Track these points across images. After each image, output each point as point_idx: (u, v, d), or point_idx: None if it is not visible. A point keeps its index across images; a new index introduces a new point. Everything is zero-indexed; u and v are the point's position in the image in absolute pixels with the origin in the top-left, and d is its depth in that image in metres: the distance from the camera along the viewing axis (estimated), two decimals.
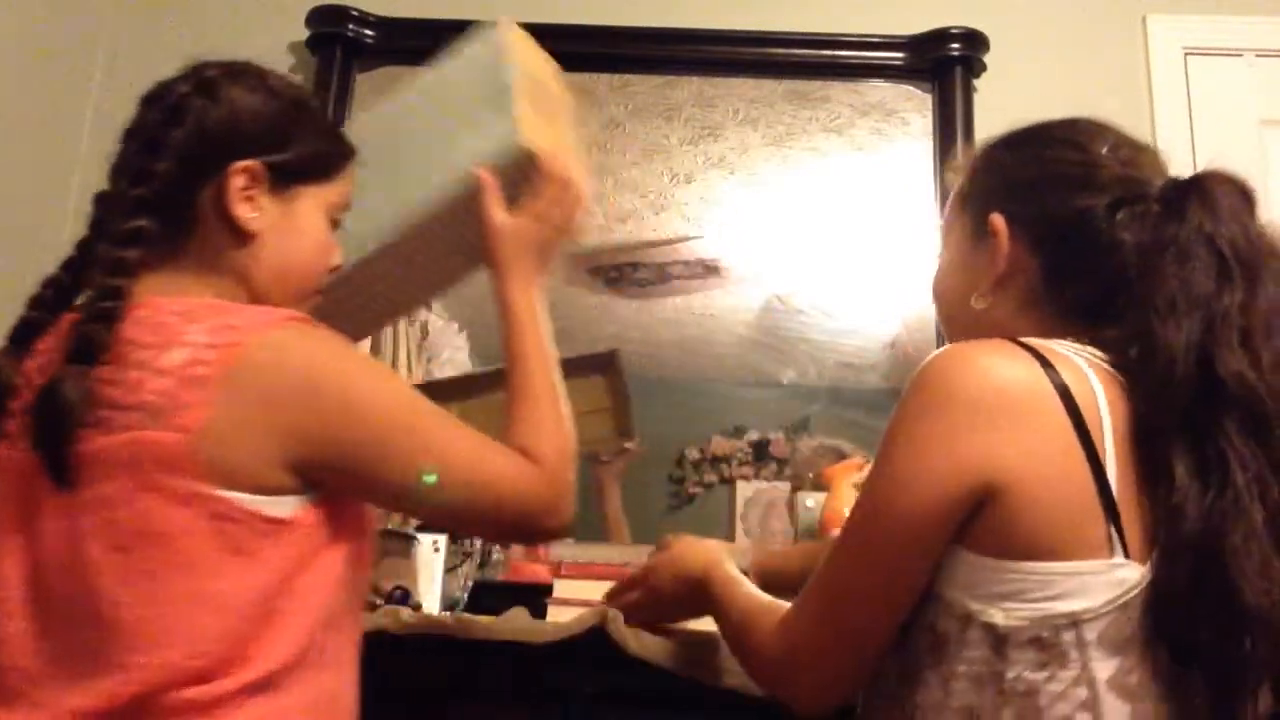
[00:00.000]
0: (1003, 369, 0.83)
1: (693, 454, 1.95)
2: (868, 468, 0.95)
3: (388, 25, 2.12)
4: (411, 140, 1.16)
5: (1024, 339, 0.86)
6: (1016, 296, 0.94)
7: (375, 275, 1.12)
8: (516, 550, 1.64)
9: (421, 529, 1.46)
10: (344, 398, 0.87)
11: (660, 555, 1.18)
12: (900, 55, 2.08)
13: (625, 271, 2.05)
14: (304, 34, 2.13)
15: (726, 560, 1.08)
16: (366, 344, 2.01)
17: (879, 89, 2.10)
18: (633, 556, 1.25)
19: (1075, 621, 0.77)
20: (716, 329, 2.03)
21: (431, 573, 1.44)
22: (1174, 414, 0.81)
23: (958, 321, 1.00)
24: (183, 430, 0.81)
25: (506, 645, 1.21)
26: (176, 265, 0.93)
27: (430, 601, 1.43)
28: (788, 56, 2.09)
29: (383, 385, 0.93)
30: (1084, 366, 0.84)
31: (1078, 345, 0.88)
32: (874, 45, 2.09)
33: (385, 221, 1.10)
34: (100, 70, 2.11)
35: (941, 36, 2.05)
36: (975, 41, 2.06)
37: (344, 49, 2.10)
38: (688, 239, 2.06)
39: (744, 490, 1.92)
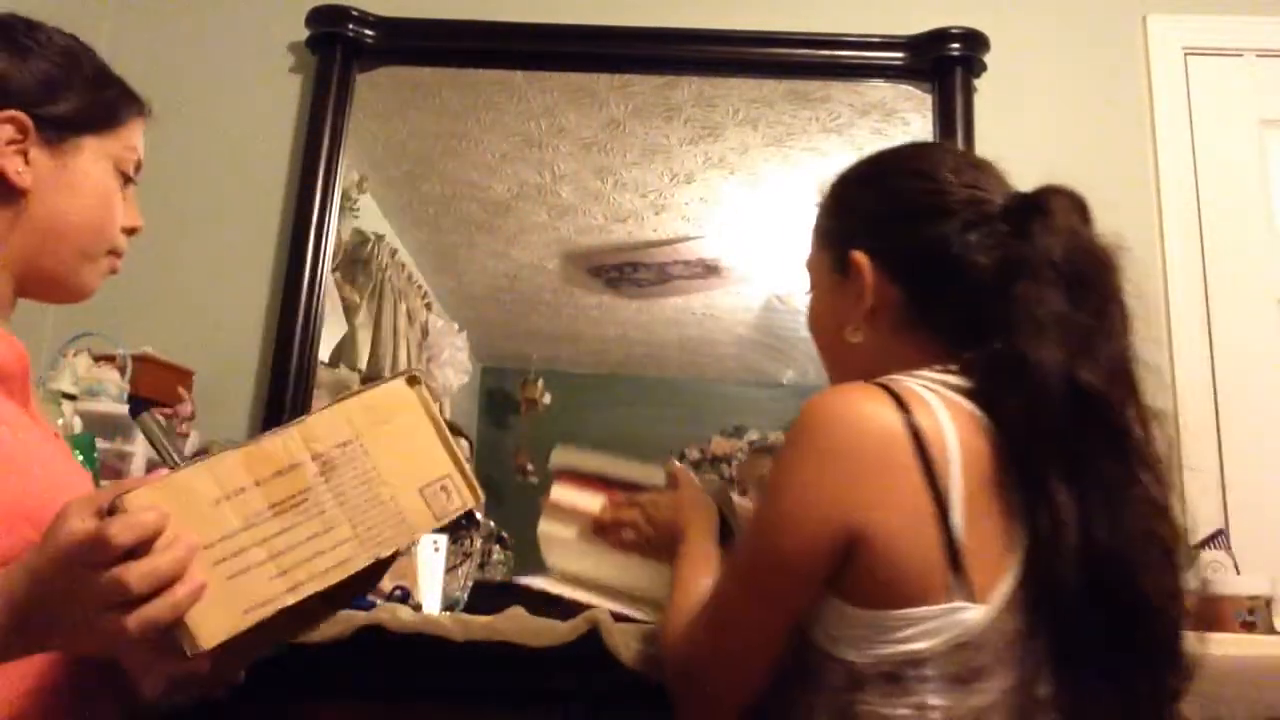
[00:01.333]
0: (864, 419, 0.85)
1: (693, 454, 1.95)
2: None
3: (388, 25, 2.12)
4: None
5: (887, 380, 0.89)
6: (887, 327, 0.97)
7: None
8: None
9: None
10: None
11: (665, 494, 1.18)
12: (900, 55, 2.08)
13: (625, 271, 2.05)
14: (304, 34, 2.13)
15: (708, 535, 1.09)
16: (366, 345, 2.02)
17: (879, 89, 2.10)
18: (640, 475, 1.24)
19: (918, 660, 0.82)
20: (716, 329, 2.03)
21: (431, 573, 1.44)
22: (1048, 433, 0.84)
23: (835, 354, 1.04)
24: None
25: (506, 645, 1.21)
26: None
27: (430, 601, 1.43)
28: (788, 56, 2.09)
29: None
30: (938, 406, 0.86)
31: (941, 376, 0.90)
32: (874, 45, 2.09)
33: None
34: None
35: (941, 36, 2.05)
36: (975, 41, 2.06)
37: (344, 49, 2.10)
38: (688, 239, 2.06)
39: None
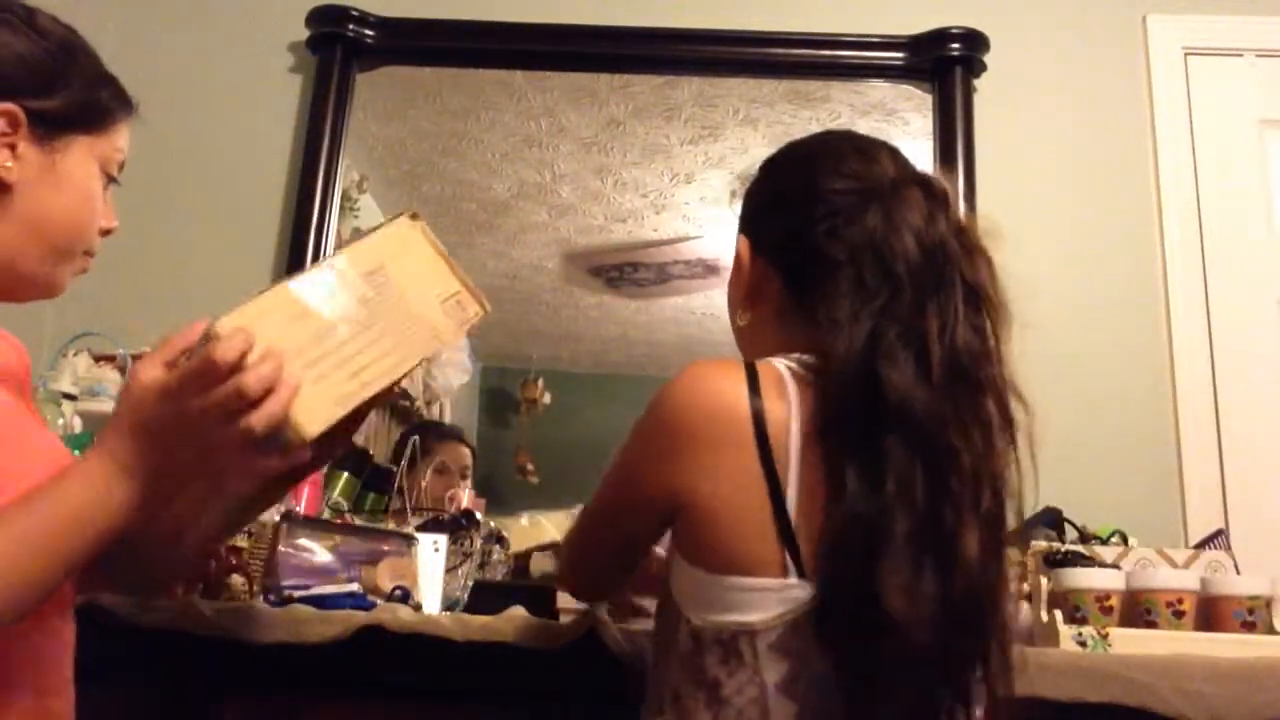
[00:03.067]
0: (712, 397, 0.89)
1: None
2: None
3: (388, 25, 2.12)
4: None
5: (758, 360, 0.93)
6: (769, 312, 1.00)
7: None
8: None
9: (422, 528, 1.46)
10: None
11: None
12: (900, 55, 2.08)
13: (625, 271, 2.05)
14: (304, 34, 2.13)
15: None
16: None
17: (879, 89, 2.10)
18: None
19: (751, 631, 0.86)
20: (717, 329, 2.03)
21: (431, 573, 1.44)
22: (843, 424, 0.86)
23: (736, 336, 1.07)
24: None
25: (506, 645, 1.21)
26: None
27: (430, 601, 1.43)
28: (788, 56, 2.09)
29: None
30: (793, 389, 0.89)
31: (803, 359, 0.92)
32: (874, 45, 2.09)
33: None
34: None
35: (941, 36, 2.05)
36: (975, 41, 2.06)
37: (344, 49, 2.10)
38: (688, 239, 2.06)
39: None
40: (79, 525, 0.75)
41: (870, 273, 0.89)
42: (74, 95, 0.91)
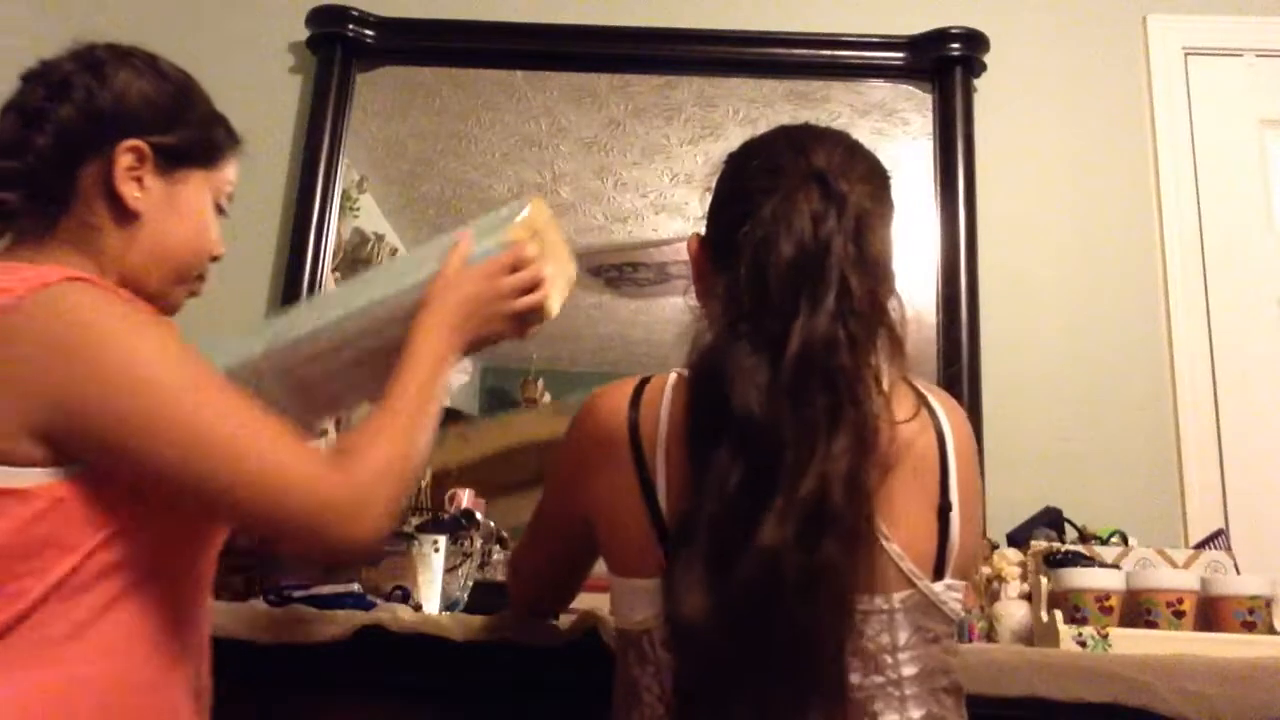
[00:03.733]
0: (598, 414, 0.97)
1: None
2: None
3: (388, 25, 2.12)
4: (411, 254, 1.21)
5: (658, 372, 0.97)
6: (715, 307, 0.98)
7: (329, 345, 1.07)
8: None
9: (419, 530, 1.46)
10: (103, 364, 0.81)
11: None
12: (900, 55, 2.08)
13: (625, 271, 2.05)
14: (304, 34, 2.13)
15: None
16: None
17: (879, 89, 2.10)
18: None
19: (647, 630, 0.89)
20: None
21: (431, 573, 1.45)
22: (690, 429, 0.89)
23: None
24: None
25: (505, 645, 1.21)
26: (43, 242, 0.92)
27: (430, 601, 1.43)
28: (788, 57, 2.09)
29: (156, 356, 0.83)
30: (668, 395, 0.93)
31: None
32: (874, 45, 2.09)
33: (367, 294, 1.09)
34: None
35: (941, 36, 2.05)
36: (975, 41, 2.06)
37: (344, 49, 2.10)
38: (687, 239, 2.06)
39: None
40: (439, 381, 0.98)
41: (745, 273, 0.89)
42: (191, 132, 0.99)
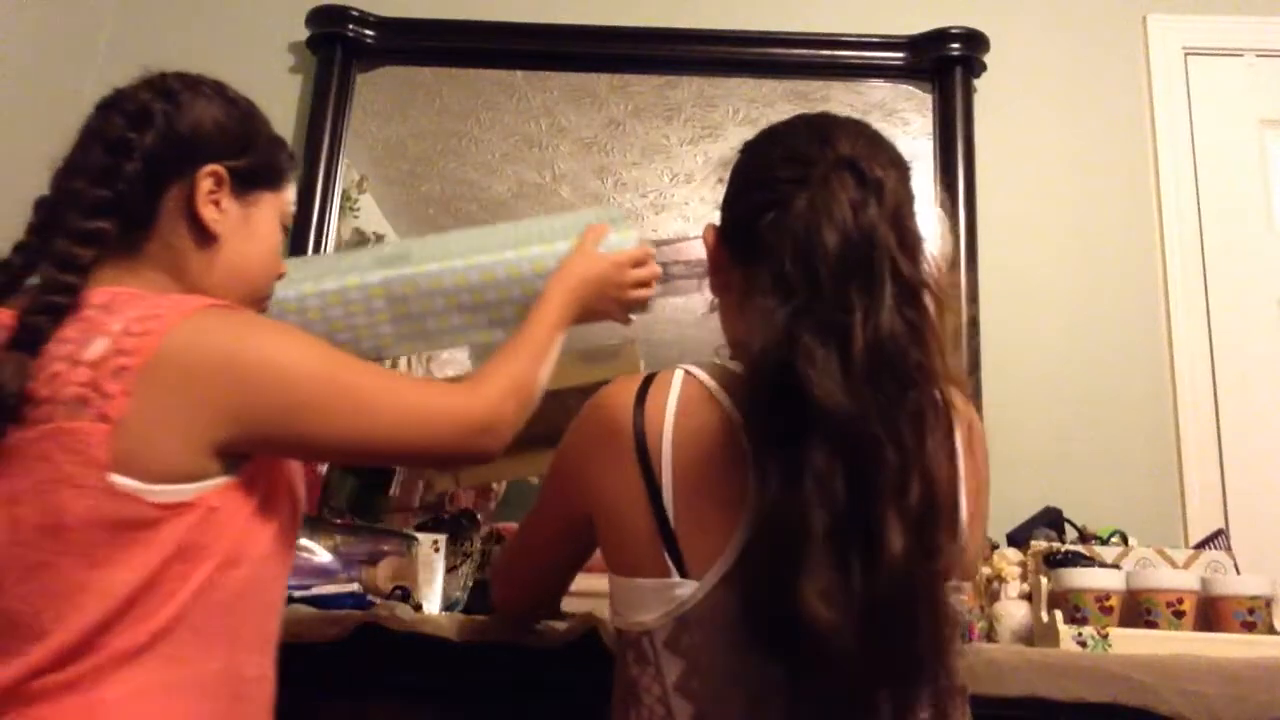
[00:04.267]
0: (603, 412, 0.96)
1: None
2: None
3: (388, 25, 2.13)
4: (525, 224, 1.31)
5: (664, 369, 0.96)
6: (732, 302, 1.00)
7: (450, 286, 1.22)
8: None
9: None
10: (265, 368, 0.89)
11: None
12: (900, 55, 2.08)
13: None
14: (304, 34, 2.13)
15: None
16: None
17: (879, 89, 2.10)
18: None
19: (648, 630, 0.89)
20: (717, 329, 2.02)
21: (431, 573, 1.44)
22: (761, 425, 0.85)
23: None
24: (104, 420, 0.82)
25: (505, 645, 1.21)
26: (131, 266, 0.94)
27: (430, 601, 1.43)
28: (788, 56, 2.09)
29: (301, 350, 0.93)
30: (676, 393, 0.92)
31: (711, 361, 0.95)
32: (874, 45, 2.09)
33: (482, 246, 1.23)
34: (100, 70, 2.11)
35: (941, 36, 2.05)
36: (975, 41, 2.06)
37: (344, 49, 2.10)
38: (688, 239, 2.05)
39: None
40: (556, 337, 1.14)
41: (791, 265, 0.86)
42: (261, 156, 1.03)
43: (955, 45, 2.05)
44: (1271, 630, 1.32)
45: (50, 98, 2.02)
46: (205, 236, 0.98)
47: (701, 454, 0.89)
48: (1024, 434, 1.87)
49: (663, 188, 2.07)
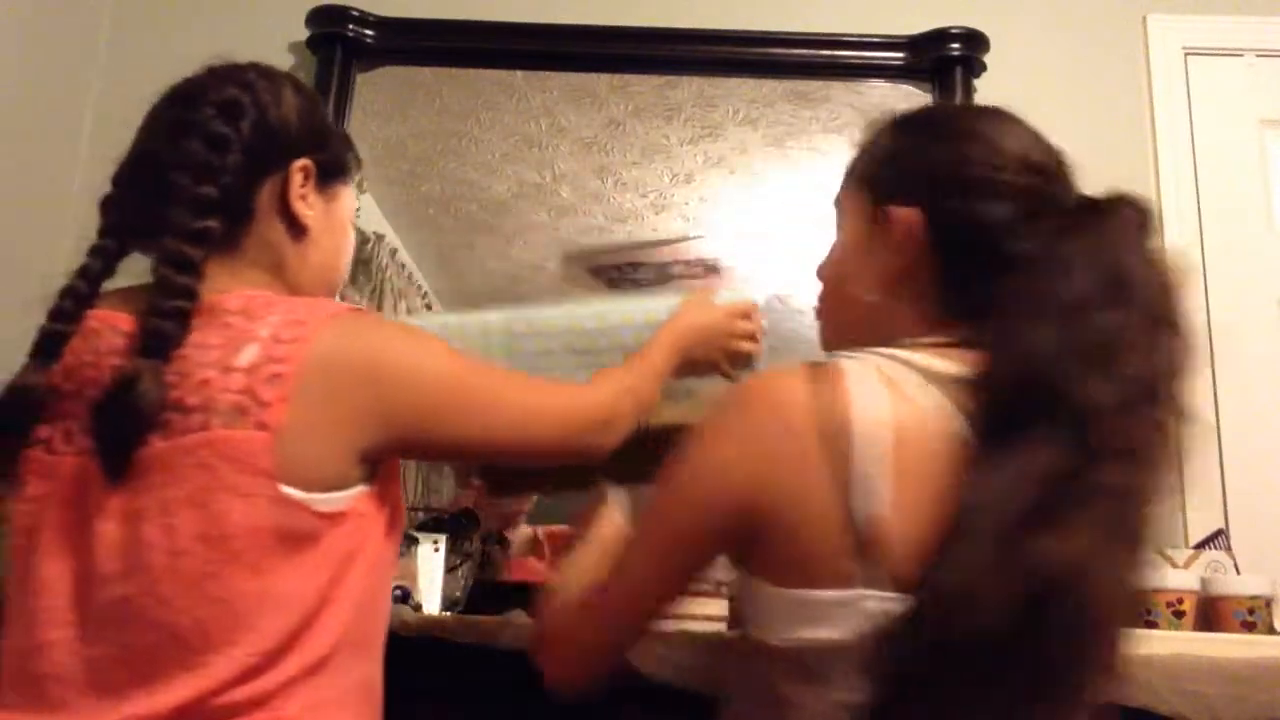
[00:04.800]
0: (782, 403, 0.83)
1: None
2: None
3: (388, 25, 2.12)
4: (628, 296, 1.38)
5: (833, 360, 0.85)
6: (909, 294, 0.91)
7: (560, 325, 1.26)
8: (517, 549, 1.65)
9: (431, 525, 1.46)
10: (404, 373, 0.90)
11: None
12: (900, 55, 2.08)
13: (625, 271, 2.05)
14: (304, 34, 2.13)
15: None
16: None
17: (879, 89, 2.09)
18: None
19: (825, 649, 0.78)
20: None
21: (431, 573, 1.45)
22: (1007, 429, 0.77)
23: (842, 309, 0.98)
24: (264, 428, 0.81)
25: (506, 646, 1.21)
26: (232, 263, 0.93)
27: (430, 601, 1.43)
28: (788, 56, 2.09)
29: (434, 353, 0.94)
30: (878, 387, 0.81)
31: (920, 353, 0.85)
32: (874, 45, 2.09)
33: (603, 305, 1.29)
34: (100, 70, 2.11)
35: (942, 36, 2.05)
36: (975, 41, 2.05)
37: (344, 49, 2.10)
38: (688, 239, 2.06)
39: None
40: (662, 374, 1.14)
41: (1079, 277, 0.82)
42: (336, 149, 1.03)
43: (955, 45, 2.05)
44: (1271, 630, 1.32)
45: (50, 98, 2.02)
46: (298, 231, 0.98)
47: (915, 453, 0.79)
48: None
49: (663, 188, 2.06)
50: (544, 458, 1.05)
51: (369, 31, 2.11)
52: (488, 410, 0.95)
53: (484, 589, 1.52)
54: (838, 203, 1.01)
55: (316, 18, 2.11)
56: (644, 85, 2.10)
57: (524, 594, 1.36)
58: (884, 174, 0.95)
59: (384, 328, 0.94)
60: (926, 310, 0.90)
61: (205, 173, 0.90)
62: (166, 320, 0.83)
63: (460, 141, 2.11)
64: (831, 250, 1.01)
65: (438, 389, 0.92)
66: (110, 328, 0.87)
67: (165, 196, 0.90)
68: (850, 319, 0.96)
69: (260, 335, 0.83)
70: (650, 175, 2.07)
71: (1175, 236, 1.99)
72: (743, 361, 1.25)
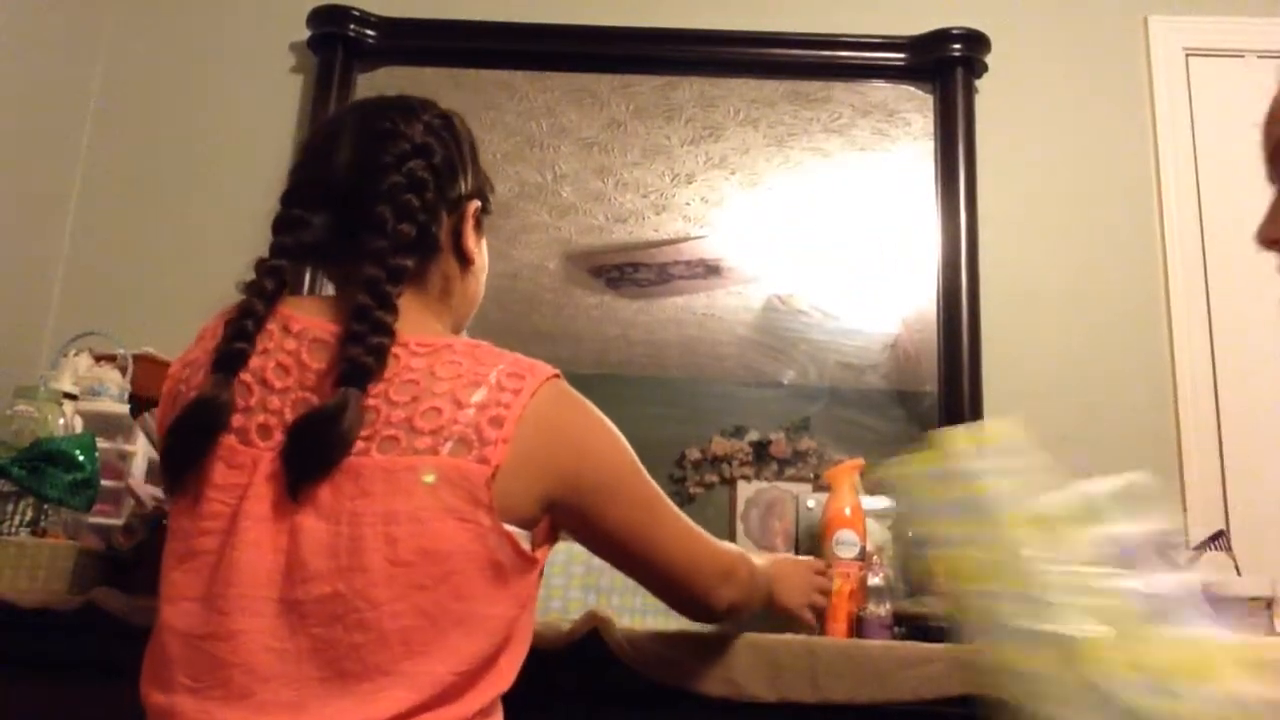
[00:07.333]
0: None
1: (693, 454, 1.95)
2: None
3: (388, 25, 2.13)
4: None
5: None
6: None
7: None
8: None
9: None
10: (600, 448, 0.96)
11: None
12: (901, 56, 2.08)
13: (626, 271, 2.05)
14: (304, 34, 2.13)
15: None
16: None
17: (880, 89, 2.10)
18: None
19: None
20: (717, 329, 2.03)
21: None
22: None
23: None
24: (486, 463, 0.85)
25: None
26: (418, 292, 0.98)
27: None
28: (789, 57, 2.09)
29: (625, 448, 0.99)
30: None
31: None
32: (875, 46, 2.09)
33: None
34: (100, 70, 2.11)
35: (942, 37, 2.05)
36: (976, 41, 2.06)
37: (344, 49, 2.10)
38: (688, 239, 2.06)
39: (744, 490, 1.92)
40: (763, 590, 1.19)
41: None
42: (488, 187, 1.09)
43: (956, 46, 2.05)
44: (1271, 630, 1.32)
45: (51, 98, 2.02)
46: (465, 265, 1.03)
47: None
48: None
49: (664, 188, 2.07)
50: (676, 589, 1.06)
51: (370, 32, 2.11)
52: (651, 512, 0.99)
53: None
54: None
55: (317, 18, 2.11)
56: (645, 85, 2.11)
57: None
58: None
59: (589, 405, 0.98)
60: None
61: (405, 212, 0.95)
62: (370, 355, 0.88)
63: None
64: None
65: (621, 475, 0.97)
66: (314, 339, 0.91)
67: (363, 226, 0.95)
68: None
69: (489, 380, 0.89)
70: (651, 175, 2.07)
71: (1176, 237, 1.99)
72: (806, 614, 1.30)
